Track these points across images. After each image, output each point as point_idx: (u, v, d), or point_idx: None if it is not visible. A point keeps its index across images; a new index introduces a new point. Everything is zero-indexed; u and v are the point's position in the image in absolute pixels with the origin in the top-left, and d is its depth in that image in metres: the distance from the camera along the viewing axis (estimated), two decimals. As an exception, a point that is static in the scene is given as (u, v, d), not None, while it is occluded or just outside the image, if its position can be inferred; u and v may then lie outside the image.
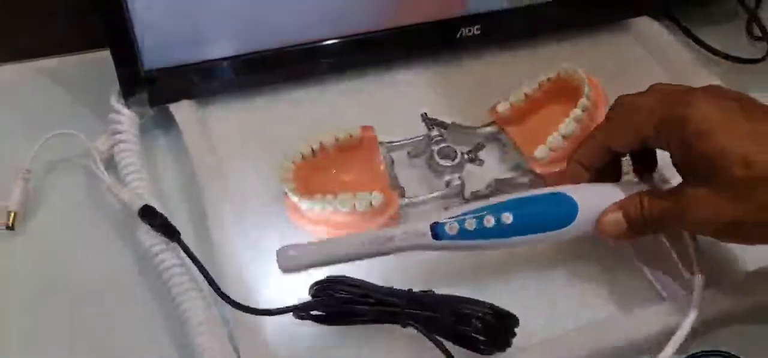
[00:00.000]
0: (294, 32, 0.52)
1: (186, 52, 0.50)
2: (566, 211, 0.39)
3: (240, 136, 0.51)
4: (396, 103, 0.53)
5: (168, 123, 0.51)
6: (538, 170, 0.46)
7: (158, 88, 0.50)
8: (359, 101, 0.54)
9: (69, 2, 0.55)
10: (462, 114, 0.51)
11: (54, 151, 0.48)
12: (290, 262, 0.39)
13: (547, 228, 0.39)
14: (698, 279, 0.39)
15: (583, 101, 0.46)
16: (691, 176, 0.37)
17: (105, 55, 0.48)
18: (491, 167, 0.49)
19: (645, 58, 0.59)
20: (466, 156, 0.48)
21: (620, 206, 0.39)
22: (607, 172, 0.42)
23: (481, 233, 0.39)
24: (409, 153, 0.49)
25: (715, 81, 0.54)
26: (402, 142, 0.49)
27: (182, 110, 0.51)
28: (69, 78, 0.56)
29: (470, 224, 0.39)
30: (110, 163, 0.48)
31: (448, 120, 0.50)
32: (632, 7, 0.61)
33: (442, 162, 0.47)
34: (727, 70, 0.60)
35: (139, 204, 0.43)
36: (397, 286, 0.38)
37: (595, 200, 0.40)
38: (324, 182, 0.45)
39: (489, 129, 0.50)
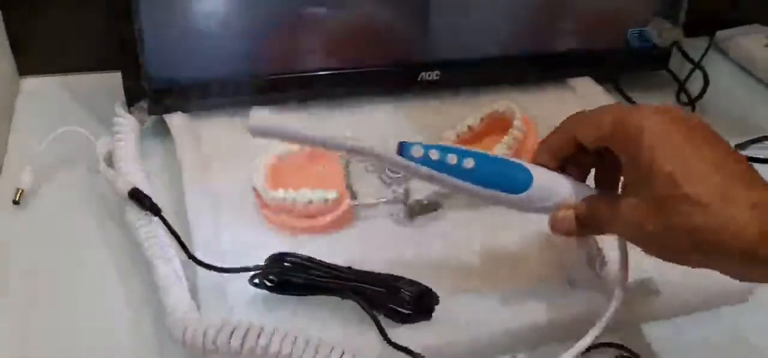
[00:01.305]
0: (277, 63, 0.61)
1: (181, 73, 0.59)
2: (522, 179, 0.42)
3: (224, 145, 0.59)
4: (360, 127, 0.62)
5: (164, 131, 0.60)
6: (473, 187, 0.54)
7: (156, 101, 0.59)
8: (330, 122, 0.62)
9: (91, 27, 0.64)
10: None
11: (63, 145, 0.57)
12: (260, 124, 0.40)
13: (499, 187, 0.42)
14: (622, 275, 0.43)
15: (513, 131, 0.55)
16: (631, 185, 0.39)
17: (117, 76, 0.58)
18: (435, 184, 0.56)
19: (583, 112, 0.68)
20: (413, 172, 0.55)
21: (573, 206, 0.42)
22: (570, 168, 0.44)
23: (442, 166, 0.41)
24: (366, 168, 0.57)
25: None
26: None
27: (175, 120, 0.59)
28: (84, 91, 0.65)
29: (434, 155, 0.41)
30: (111, 161, 0.56)
31: (402, 144, 0.58)
32: (576, 70, 0.71)
33: (392, 175, 0.55)
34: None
35: (128, 187, 0.51)
36: (353, 266, 0.45)
37: (547, 181, 0.42)
38: (289, 182, 0.53)
39: (437, 154, 0.58)
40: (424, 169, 0.42)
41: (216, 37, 0.59)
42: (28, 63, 0.66)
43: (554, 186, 0.43)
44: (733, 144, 0.65)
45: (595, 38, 0.70)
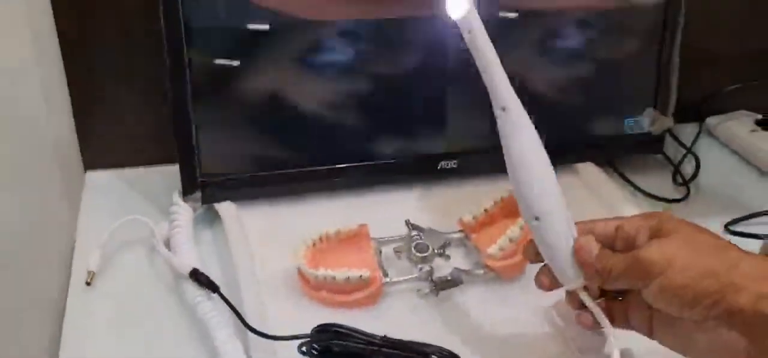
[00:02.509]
0: (312, 159, 0.70)
1: (230, 167, 0.68)
2: None
3: (268, 230, 0.67)
4: (388, 212, 0.69)
5: (214, 217, 0.68)
6: (490, 264, 0.61)
7: (208, 191, 0.67)
8: (360, 209, 0.70)
9: (149, 125, 0.73)
10: (437, 222, 0.66)
11: (127, 232, 0.64)
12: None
13: None
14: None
15: (524, 214, 0.62)
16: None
17: (171, 169, 0.66)
18: (456, 262, 0.63)
19: (587, 196, 0.75)
20: (436, 251, 0.63)
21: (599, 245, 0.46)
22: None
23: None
24: (395, 249, 0.64)
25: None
26: (388, 239, 0.64)
27: (225, 208, 0.67)
28: (143, 182, 0.73)
29: None
30: (169, 244, 0.64)
31: (425, 226, 0.65)
32: (579, 155, 0.78)
33: (418, 254, 0.62)
34: (655, 206, 0.75)
35: (188, 268, 0.59)
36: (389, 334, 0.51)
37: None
38: (328, 262, 0.60)
39: (457, 234, 0.66)
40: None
41: (260, 137, 0.68)
42: (93, 158, 0.75)
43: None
44: (725, 221, 0.72)
45: (596, 127, 0.78)
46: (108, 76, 0.72)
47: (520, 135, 0.48)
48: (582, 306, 0.49)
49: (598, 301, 0.49)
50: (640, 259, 0.42)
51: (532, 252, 0.49)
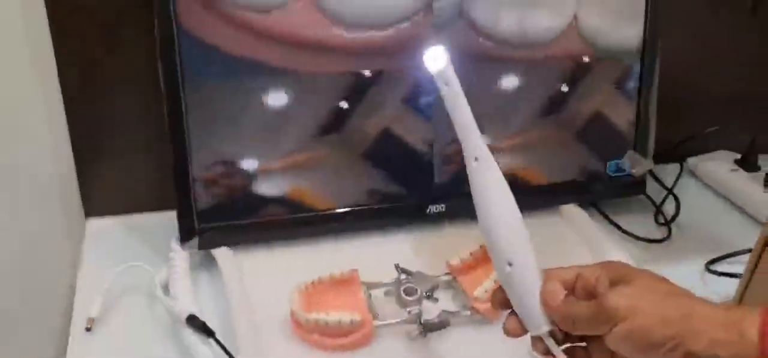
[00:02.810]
0: (307, 206, 0.72)
1: (227, 215, 0.70)
2: None
3: (263, 274, 0.69)
4: (378, 255, 0.71)
5: (212, 261, 0.70)
6: (477, 306, 0.63)
7: (205, 238, 0.70)
8: (352, 252, 0.73)
9: (149, 173, 0.76)
10: (426, 265, 0.69)
11: (127, 278, 0.67)
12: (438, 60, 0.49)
13: None
14: None
15: (508, 257, 0.64)
16: None
17: (170, 215, 0.69)
18: (444, 304, 0.66)
19: (571, 236, 0.78)
20: (424, 294, 0.65)
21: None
22: None
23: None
24: (385, 293, 0.67)
25: (623, 255, 0.72)
26: (378, 283, 0.67)
27: (222, 254, 0.70)
28: (143, 229, 0.75)
29: None
30: (167, 290, 0.66)
31: (414, 269, 0.68)
32: (563, 198, 0.81)
33: (407, 298, 0.64)
34: (637, 246, 0.78)
35: (186, 313, 0.61)
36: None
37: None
38: (320, 306, 0.62)
39: (445, 277, 0.68)
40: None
41: (255, 187, 0.70)
42: (94, 205, 0.78)
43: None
44: (706, 260, 0.74)
45: (579, 170, 0.81)
46: (109, 126, 0.74)
47: (492, 185, 0.50)
48: (547, 352, 0.51)
49: (563, 347, 0.50)
50: (605, 306, 0.44)
51: (500, 299, 0.51)
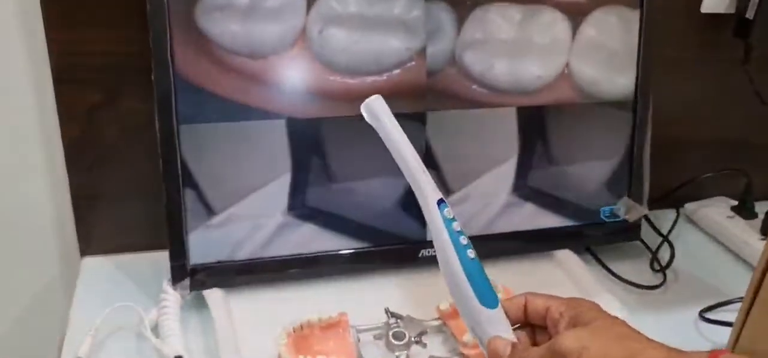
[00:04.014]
0: (298, 249, 0.73)
1: (218, 257, 0.71)
2: (491, 299, 0.49)
3: (254, 316, 0.69)
4: (369, 298, 0.72)
5: (203, 302, 0.70)
6: (465, 352, 0.63)
7: (197, 279, 0.70)
8: (343, 295, 0.73)
9: (144, 214, 0.77)
10: (416, 309, 0.69)
11: (118, 318, 0.67)
12: (374, 108, 0.51)
13: (474, 286, 0.49)
14: None
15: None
16: None
17: (163, 255, 0.70)
18: (433, 349, 0.65)
19: (564, 281, 0.78)
20: (413, 339, 0.65)
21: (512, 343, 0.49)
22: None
23: (454, 236, 0.49)
24: (374, 336, 0.66)
25: (616, 302, 0.72)
26: (367, 327, 0.67)
27: (213, 295, 0.70)
28: (136, 269, 0.76)
29: (456, 226, 0.49)
30: (157, 330, 0.66)
31: (404, 313, 0.68)
32: (557, 243, 0.81)
33: (395, 342, 0.64)
34: (631, 292, 0.78)
35: (173, 355, 0.61)
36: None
37: (504, 319, 0.49)
38: (308, 349, 0.62)
39: (434, 322, 0.68)
40: (442, 225, 0.49)
41: (247, 231, 0.71)
42: (89, 245, 0.78)
43: (505, 326, 0.49)
44: (700, 307, 0.74)
45: (573, 215, 0.81)
46: (108, 168, 0.76)
47: (438, 246, 0.50)
48: None
49: None
50: (556, 349, 0.45)
51: None
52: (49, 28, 0.69)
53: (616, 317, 0.48)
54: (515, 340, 0.49)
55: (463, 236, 0.49)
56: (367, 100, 0.52)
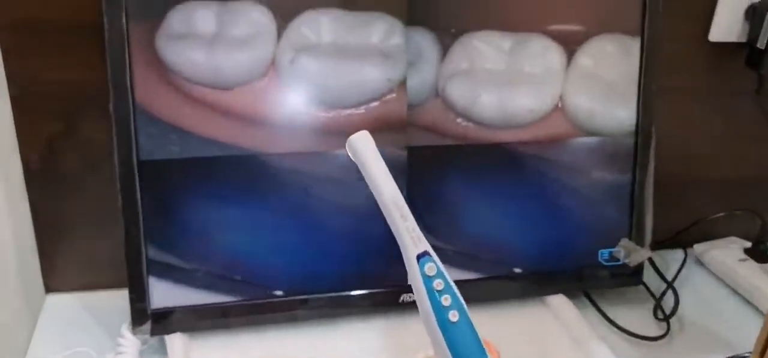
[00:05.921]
0: (268, 292, 0.68)
1: (180, 301, 0.66)
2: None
3: (216, 364, 0.65)
4: (348, 344, 0.67)
5: (163, 349, 0.66)
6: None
7: (158, 323, 0.66)
8: (321, 341, 0.68)
9: (110, 251, 0.73)
10: (397, 356, 0.64)
11: (73, 362, 0.63)
12: (359, 144, 0.48)
13: (458, 354, 0.46)
14: None
15: None
16: None
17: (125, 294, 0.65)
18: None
19: (557, 329, 0.72)
20: (386, 393, 0.60)
21: None
22: None
23: (433, 297, 0.46)
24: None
25: (613, 354, 0.66)
26: (337, 380, 0.62)
27: (174, 341, 0.66)
28: (100, 308, 0.72)
29: (438, 285, 0.46)
30: (112, 378, 0.62)
31: (378, 365, 0.63)
32: (550, 287, 0.75)
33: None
34: (631, 343, 0.71)
35: (124, 410, 0.57)
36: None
37: None
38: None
39: (412, 373, 0.63)
40: (421, 285, 0.46)
41: (211, 273, 0.66)
42: (54, 281, 0.75)
43: None
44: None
45: (568, 258, 0.75)
46: (71, 203, 0.72)
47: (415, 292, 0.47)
48: None
49: None
50: None
51: None
52: (6, 57, 0.66)
53: None
54: None
55: (446, 295, 0.46)
56: (352, 136, 0.48)
